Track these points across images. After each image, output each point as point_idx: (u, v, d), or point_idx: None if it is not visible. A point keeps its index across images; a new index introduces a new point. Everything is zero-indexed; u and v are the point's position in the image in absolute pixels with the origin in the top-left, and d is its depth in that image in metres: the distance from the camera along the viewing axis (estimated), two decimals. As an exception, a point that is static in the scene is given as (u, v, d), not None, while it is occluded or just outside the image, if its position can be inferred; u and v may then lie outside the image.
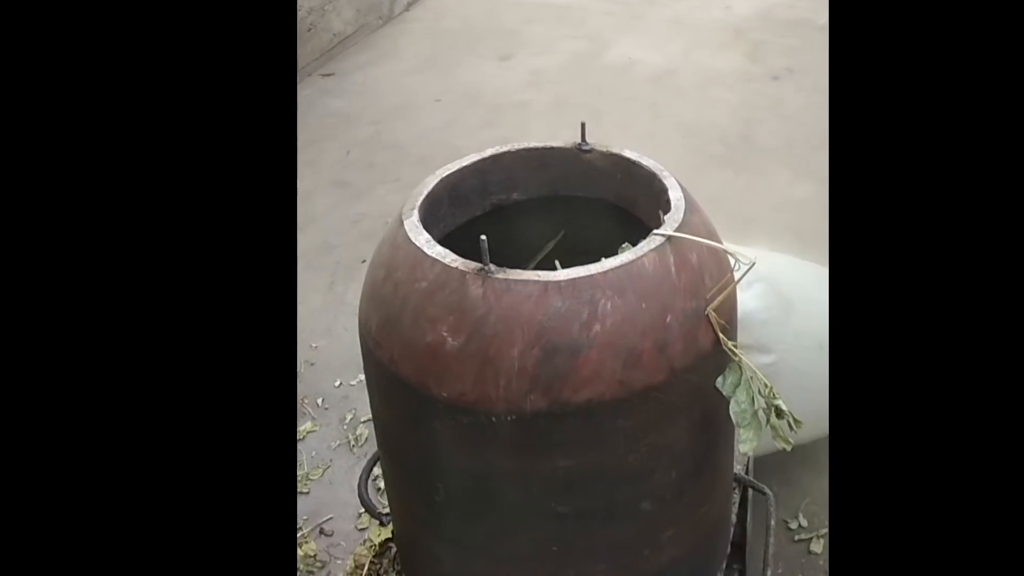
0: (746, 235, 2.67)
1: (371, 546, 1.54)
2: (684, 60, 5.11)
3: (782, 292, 2.16)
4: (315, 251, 3.45)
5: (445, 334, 1.18)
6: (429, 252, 1.24)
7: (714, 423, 1.34)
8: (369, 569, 1.51)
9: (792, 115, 4.47)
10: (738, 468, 1.78)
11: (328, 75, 5.14)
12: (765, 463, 2.34)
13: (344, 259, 3.35)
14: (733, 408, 1.26)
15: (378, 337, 1.26)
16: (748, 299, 2.11)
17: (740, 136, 4.32)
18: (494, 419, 1.17)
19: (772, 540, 1.60)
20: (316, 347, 2.97)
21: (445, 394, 1.18)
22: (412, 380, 1.21)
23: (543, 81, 4.90)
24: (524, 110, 4.56)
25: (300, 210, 3.81)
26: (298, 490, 2.46)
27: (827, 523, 2.35)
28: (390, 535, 1.56)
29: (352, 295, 2.94)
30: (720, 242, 1.39)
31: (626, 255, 1.23)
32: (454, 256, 1.23)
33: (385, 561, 1.54)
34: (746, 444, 1.28)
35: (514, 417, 1.17)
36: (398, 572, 1.53)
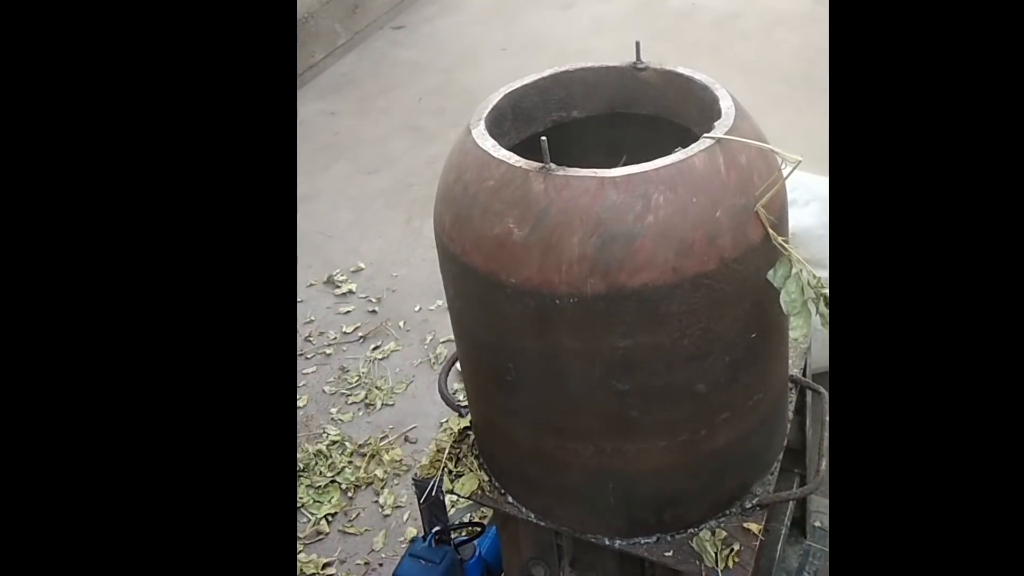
0: (808, 169, 2.71)
1: (451, 433, 1.68)
2: (747, 3, 5.08)
3: (839, 209, 2.22)
4: (393, 190, 3.62)
5: (511, 226, 1.29)
6: (495, 155, 1.35)
7: (766, 316, 1.42)
8: (450, 452, 1.64)
9: (859, 52, 4.42)
10: (796, 372, 1.85)
11: (399, 28, 5.28)
12: (826, 381, 2.41)
13: (420, 197, 3.51)
14: (783, 298, 1.35)
15: (451, 232, 1.39)
16: (805, 216, 2.18)
17: (804, 76, 4.30)
18: (558, 301, 1.28)
19: (826, 435, 1.68)
20: (397, 276, 3.15)
21: (513, 280, 1.30)
22: (483, 269, 1.33)
23: (605, 28, 4.94)
24: (587, 57, 4.58)
25: (378, 152, 3.98)
26: (384, 403, 2.64)
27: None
28: (468, 424, 1.70)
29: (428, 229, 3.09)
30: (770, 148, 1.47)
31: (677, 155, 1.32)
32: (517, 157, 1.34)
33: (464, 446, 1.67)
34: (797, 331, 1.36)
35: (576, 300, 1.27)
36: (476, 455, 1.66)
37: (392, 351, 2.83)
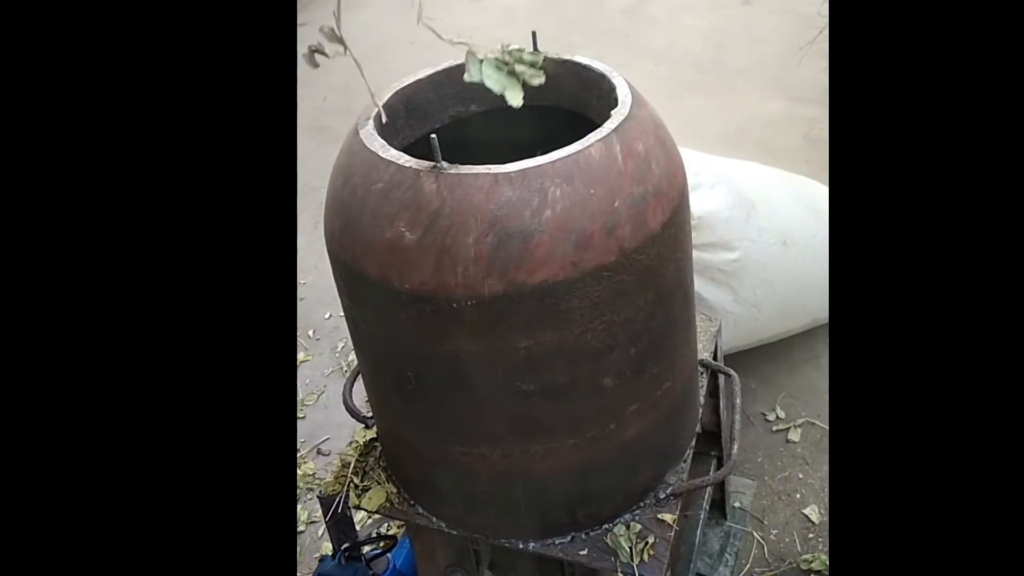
0: (717, 151, 2.74)
1: (356, 446, 1.63)
2: (655, -11, 5.11)
3: (743, 193, 2.23)
4: (298, 193, 3.51)
5: (403, 229, 1.24)
6: (384, 155, 1.30)
7: (670, 303, 1.41)
8: (355, 466, 1.59)
9: (763, 37, 4.48)
10: (706, 355, 1.85)
11: (301, 24, 5.15)
12: (742, 362, 2.43)
13: (326, 200, 3.43)
14: (489, 84, 1.25)
15: (341, 239, 1.33)
16: (711, 199, 2.18)
17: (712, 60, 4.35)
18: (455, 305, 1.24)
19: (738, 417, 1.69)
20: (304, 283, 3.06)
21: (407, 285, 1.25)
22: (375, 275, 1.28)
23: (517, 19, 4.91)
24: (498, 48, 4.59)
25: (280, 156, 3.88)
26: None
27: (802, 414, 2.44)
28: (375, 436, 1.64)
29: (335, 233, 3.03)
30: (668, 135, 1.46)
31: (573, 146, 1.28)
32: (407, 157, 1.29)
33: (371, 459, 1.62)
34: (515, 99, 1.26)
35: (473, 302, 1.23)
36: (383, 468, 1.61)
37: (302, 361, 2.75)
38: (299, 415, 2.57)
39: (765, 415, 2.44)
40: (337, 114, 4.13)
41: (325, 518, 1.56)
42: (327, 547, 2.16)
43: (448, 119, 1.63)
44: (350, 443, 1.65)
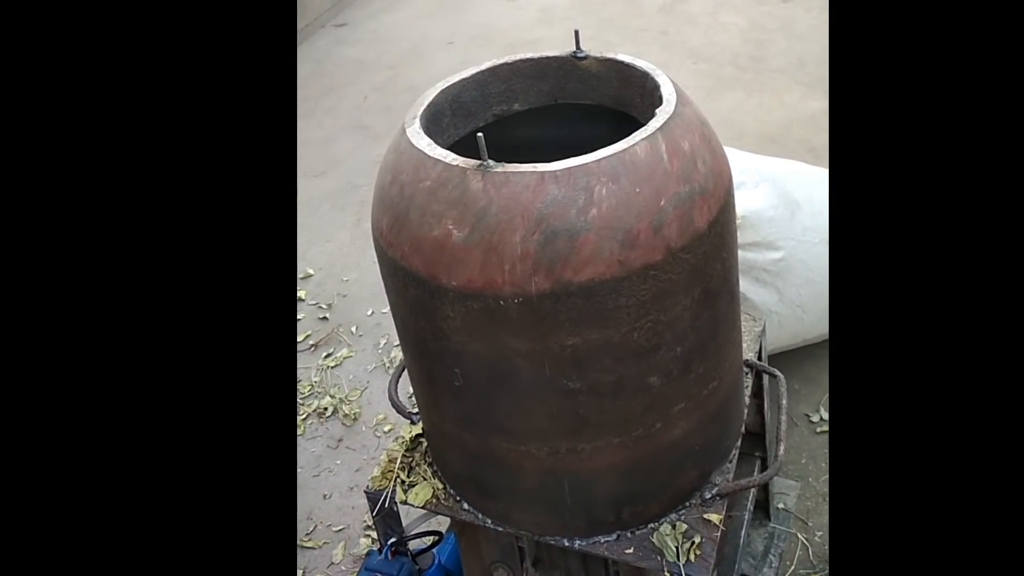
0: (758, 149, 2.72)
1: (402, 442, 1.64)
2: (694, -14, 5.08)
3: (787, 192, 2.21)
4: (340, 192, 3.55)
5: (450, 227, 1.25)
6: (431, 153, 1.31)
7: (716, 303, 1.40)
8: (401, 462, 1.60)
9: (802, 34, 4.44)
10: (751, 356, 1.84)
11: (341, 25, 5.20)
12: (786, 362, 2.41)
13: (368, 198, 3.43)
14: None
15: (389, 237, 1.34)
16: (755, 199, 2.16)
17: (751, 58, 4.32)
18: (502, 302, 1.24)
19: (783, 418, 1.67)
20: (347, 280, 3.08)
21: (455, 283, 1.26)
22: (423, 272, 1.29)
23: (554, 18, 4.91)
24: (537, 47, 4.57)
25: (323, 154, 3.91)
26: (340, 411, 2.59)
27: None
28: (420, 432, 1.65)
29: (376, 231, 3.05)
30: (713, 133, 1.45)
31: (618, 144, 1.28)
32: (454, 156, 1.30)
33: (417, 455, 1.63)
34: None
35: (520, 299, 1.24)
36: (429, 463, 1.62)
37: (345, 358, 2.78)
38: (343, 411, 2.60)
39: (809, 416, 2.42)
40: (377, 113, 4.17)
41: (372, 512, 1.58)
42: (364, 543, 2.19)
43: (492, 117, 1.63)
44: (396, 439, 1.66)
